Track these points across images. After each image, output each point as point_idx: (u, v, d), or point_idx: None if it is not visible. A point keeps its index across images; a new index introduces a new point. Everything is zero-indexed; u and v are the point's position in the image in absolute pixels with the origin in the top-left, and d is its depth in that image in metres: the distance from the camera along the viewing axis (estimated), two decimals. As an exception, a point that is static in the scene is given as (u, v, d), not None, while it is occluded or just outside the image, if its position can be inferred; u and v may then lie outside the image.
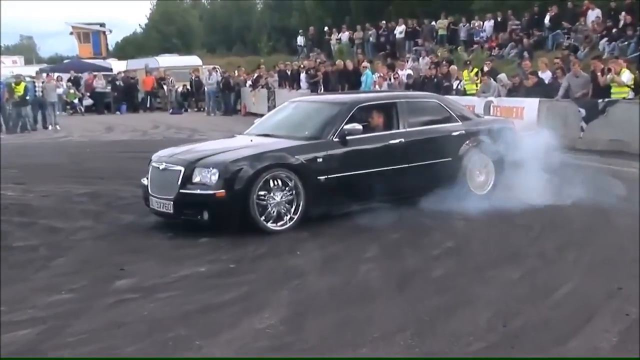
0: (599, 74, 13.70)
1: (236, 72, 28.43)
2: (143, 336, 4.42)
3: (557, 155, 8.45)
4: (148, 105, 30.13)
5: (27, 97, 21.28)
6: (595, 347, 4.12)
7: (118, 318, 4.74)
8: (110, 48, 50.88)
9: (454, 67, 18.42)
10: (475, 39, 24.80)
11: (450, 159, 8.24)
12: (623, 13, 19.63)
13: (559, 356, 4.02)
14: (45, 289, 5.40)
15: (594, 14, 20.87)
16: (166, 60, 33.11)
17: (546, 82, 15.07)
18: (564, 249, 6.29)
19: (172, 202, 7.21)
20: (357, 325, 4.54)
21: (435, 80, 18.17)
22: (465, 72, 17.72)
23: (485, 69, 16.99)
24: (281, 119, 8.62)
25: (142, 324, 4.64)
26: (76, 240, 7.09)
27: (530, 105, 14.38)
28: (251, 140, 7.94)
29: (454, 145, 8.33)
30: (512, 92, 15.54)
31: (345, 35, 29.82)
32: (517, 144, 8.57)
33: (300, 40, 32.77)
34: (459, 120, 8.60)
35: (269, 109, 20.87)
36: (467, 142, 8.44)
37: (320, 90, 21.90)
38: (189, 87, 30.08)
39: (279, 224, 7.19)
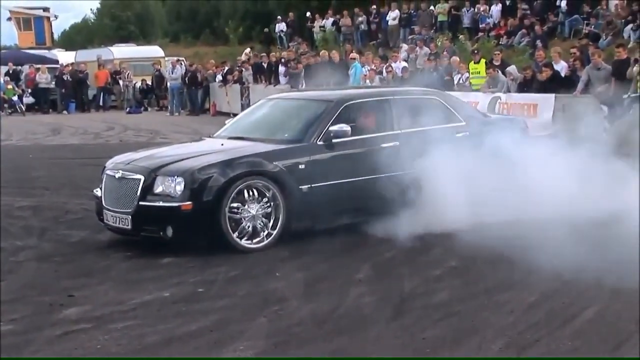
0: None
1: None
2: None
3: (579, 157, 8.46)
4: (101, 104, 29.99)
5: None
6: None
7: (66, 353, 4.71)
8: (56, 37, 50.66)
9: (455, 59, 18.53)
10: (480, 25, 24.97)
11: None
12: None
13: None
14: (-19, 319, 5.35)
15: (617, -3, 21.09)
16: (122, 51, 32.99)
17: (562, 74, 15.18)
18: (586, 268, 6.31)
19: (130, 217, 7.18)
20: (347, 358, 4.53)
21: (435, 73, 18.25)
22: (472, 64, 17.83)
23: (496, 62, 17.04)
24: (257, 119, 8.63)
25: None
26: (17, 262, 7.03)
27: (544, 101, 14.47)
28: (222, 144, 7.94)
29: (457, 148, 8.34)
30: (524, 86, 15.64)
31: (330, 22, 29.91)
32: (531, 146, 8.59)
33: (279, 27, 32.85)
34: (462, 120, 8.64)
35: (243, 108, 20.88)
36: (473, 144, 8.46)
37: (302, 85, 21.92)
38: (149, 82, 30.02)
39: (254, 241, 7.19)
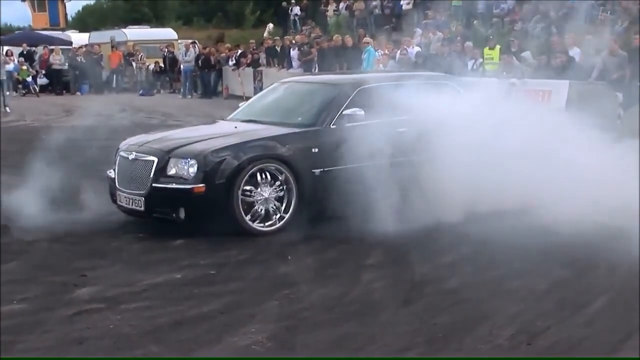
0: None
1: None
2: (107, 354, 4.41)
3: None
4: (114, 85, 30.03)
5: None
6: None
7: (78, 333, 4.74)
8: (70, 18, 50.67)
9: (469, 44, 18.44)
10: (494, 11, 24.79)
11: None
12: (669, -19, 19.65)
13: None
14: (-6, 298, 5.39)
15: (634, -18, 20.89)
16: (135, 33, 32.98)
17: (576, 60, 15.09)
18: (597, 257, 6.29)
19: (143, 198, 7.21)
20: (356, 343, 4.55)
21: (448, 58, 18.18)
22: (486, 50, 17.75)
23: (513, 49, 16.93)
24: (270, 103, 8.62)
25: (107, 339, 4.64)
26: (29, 242, 7.06)
27: (558, 88, 14.36)
28: (235, 127, 7.94)
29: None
30: (539, 72, 15.54)
31: (343, 6, 29.79)
32: (547, 130, 8.51)
33: (294, 11, 32.72)
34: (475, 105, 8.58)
35: (256, 91, 20.87)
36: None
37: (315, 69, 21.87)
38: (162, 64, 30.03)
39: (266, 224, 7.20)
